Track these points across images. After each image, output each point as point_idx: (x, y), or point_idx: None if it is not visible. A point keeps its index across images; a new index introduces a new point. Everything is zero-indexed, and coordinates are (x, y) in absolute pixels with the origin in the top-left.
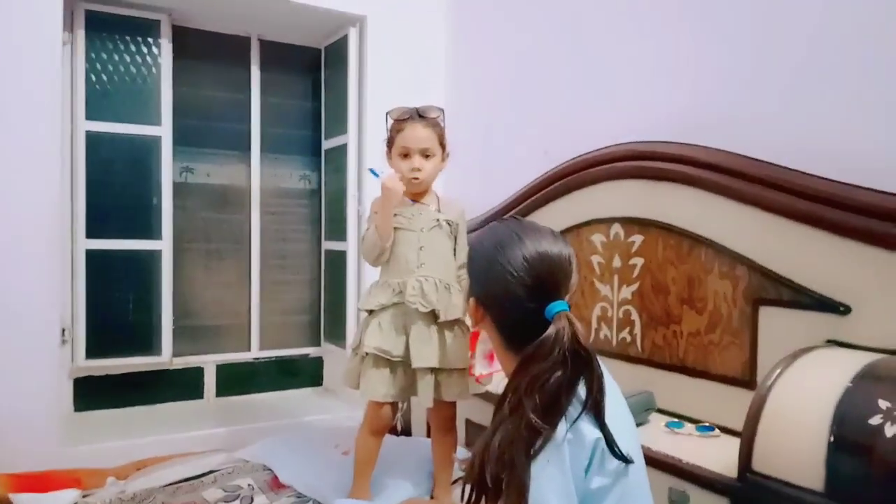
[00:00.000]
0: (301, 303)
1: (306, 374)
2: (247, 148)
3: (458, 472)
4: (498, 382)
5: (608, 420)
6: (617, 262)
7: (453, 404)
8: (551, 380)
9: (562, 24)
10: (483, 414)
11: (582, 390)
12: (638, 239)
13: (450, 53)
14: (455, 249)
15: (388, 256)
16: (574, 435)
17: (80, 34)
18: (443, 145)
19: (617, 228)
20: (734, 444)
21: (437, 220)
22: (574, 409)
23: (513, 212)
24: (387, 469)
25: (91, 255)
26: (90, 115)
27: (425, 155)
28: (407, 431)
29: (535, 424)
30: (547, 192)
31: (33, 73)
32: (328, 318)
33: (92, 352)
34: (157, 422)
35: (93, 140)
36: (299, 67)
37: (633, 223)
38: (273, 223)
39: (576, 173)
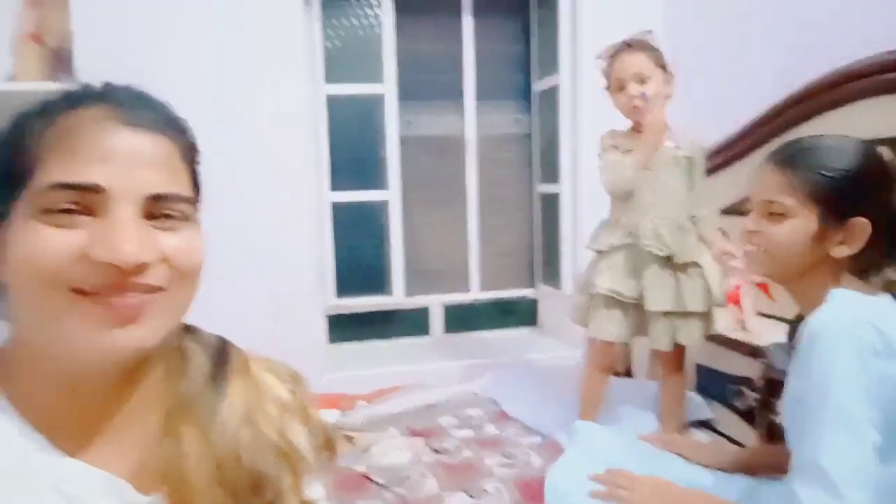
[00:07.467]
0: (516, 246)
1: (523, 314)
2: (460, 97)
3: (691, 414)
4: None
5: None
6: None
7: (683, 346)
8: None
9: None
10: (717, 358)
11: None
12: None
13: None
14: (690, 185)
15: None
16: None
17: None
18: (662, 66)
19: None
20: None
21: (674, 157)
22: None
23: (745, 143)
24: (612, 410)
25: (335, 207)
26: (329, 79)
27: (640, 81)
28: (629, 373)
29: None
30: (787, 116)
31: (278, 42)
32: (543, 260)
33: (340, 292)
34: (394, 355)
35: (331, 102)
36: (510, 10)
37: None
38: (487, 168)
39: (823, 93)
